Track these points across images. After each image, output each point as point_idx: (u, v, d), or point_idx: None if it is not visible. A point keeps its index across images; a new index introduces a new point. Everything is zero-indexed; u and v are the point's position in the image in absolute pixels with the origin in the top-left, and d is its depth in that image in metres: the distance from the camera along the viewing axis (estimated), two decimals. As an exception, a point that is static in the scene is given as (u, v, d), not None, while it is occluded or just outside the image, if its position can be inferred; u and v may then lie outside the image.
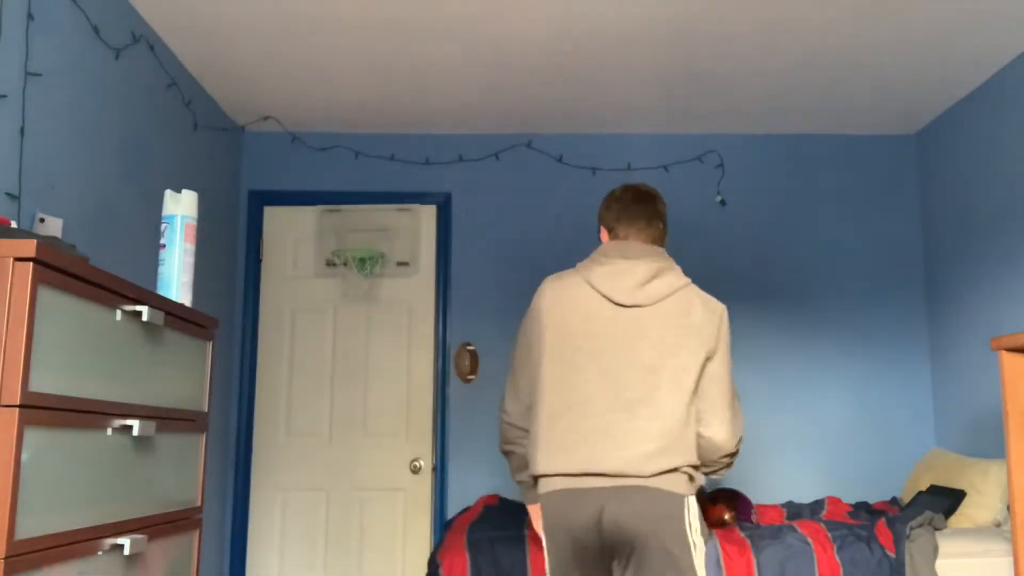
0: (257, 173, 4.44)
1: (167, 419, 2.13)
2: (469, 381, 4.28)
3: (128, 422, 1.90)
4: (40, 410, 1.58)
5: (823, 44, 3.46)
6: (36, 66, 2.56)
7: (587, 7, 3.16)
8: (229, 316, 4.25)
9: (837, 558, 2.99)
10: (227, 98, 4.05)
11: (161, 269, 2.26)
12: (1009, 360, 2.57)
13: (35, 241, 1.55)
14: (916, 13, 3.20)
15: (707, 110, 4.16)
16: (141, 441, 1.99)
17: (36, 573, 1.56)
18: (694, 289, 2.32)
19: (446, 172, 4.45)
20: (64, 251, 1.69)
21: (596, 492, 2.16)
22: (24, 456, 1.54)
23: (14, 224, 1.97)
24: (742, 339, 4.34)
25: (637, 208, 2.39)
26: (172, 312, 2.13)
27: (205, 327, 2.36)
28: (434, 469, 4.24)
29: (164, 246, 2.28)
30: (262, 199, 4.43)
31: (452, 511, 4.20)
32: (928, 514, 3.11)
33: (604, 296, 2.27)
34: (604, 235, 2.46)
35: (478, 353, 4.31)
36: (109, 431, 1.84)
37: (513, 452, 2.44)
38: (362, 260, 4.29)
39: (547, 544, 2.25)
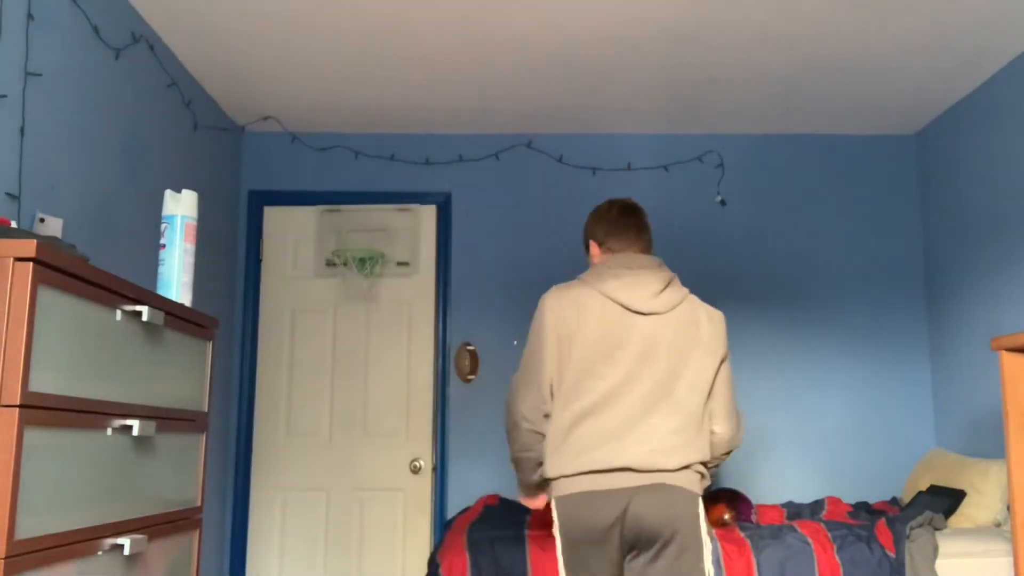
0: (257, 173, 4.44)
1: (167, 419, 2.13)
2: (469, 381, 4.28)
3: (128, 422, 1.90)
4: (40, 410, 1.58)
5: (823, 44, 3.46)
6: (36, 66, 2.56)
7: (587, 7, 3.16)
8: (229, 316, 4.25)
9: (837, 558, 2.99)
10: (227, 98, 4.05)
11: (161, 269, 2.27)
12: (1009, 360, 2.57)
13: (35, 241, 1.55)
14: (916, 14, 3.20)
15: (707, 110, 4.16)
16: (141, 441, 1.99)
17: (36, 573, 1.56)
18: (694, 297, 2.46)
19: (446, 172, 4.45)
20: (64, 251, 1.69)
21: (619, 492, 2.23)
22: (24, 456, 1.54)
23: (14, 224, 1.97)
24: (742, 339, 4.34)
25: (627, 220, 2.52)
26: (172, 312, 2.13)
27: (205, 327, 2.36)
28: (434, 469, 4.24)
29: (164, 246, 2.28)
30: (262, 199, 4.43)
31: (452, 511, 4.20)
32: (928, 514, 3.11)
33: (622, 305, 2.36)
34: (595, 248, 2.56)
35: (478, 353, 4.31)
36: (109, 431, 1.84)
37: (527, 458, 2.43)
38: (362, 260, 4.29)
39: (562, 543, 2.29)
